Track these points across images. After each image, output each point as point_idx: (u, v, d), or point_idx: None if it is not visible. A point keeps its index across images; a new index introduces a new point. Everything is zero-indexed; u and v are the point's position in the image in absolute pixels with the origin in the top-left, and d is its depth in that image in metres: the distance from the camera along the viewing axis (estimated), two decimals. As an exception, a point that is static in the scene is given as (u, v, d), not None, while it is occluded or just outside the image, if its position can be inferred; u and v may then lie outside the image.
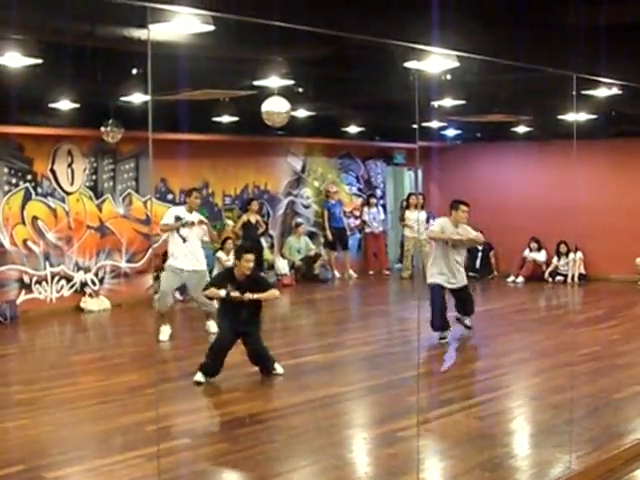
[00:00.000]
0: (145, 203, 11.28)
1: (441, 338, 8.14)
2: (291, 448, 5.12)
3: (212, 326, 8.35)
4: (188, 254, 8.30)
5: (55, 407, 6.00)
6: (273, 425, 5.55)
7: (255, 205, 12.29)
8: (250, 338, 6.67)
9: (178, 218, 8.39)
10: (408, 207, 13.29)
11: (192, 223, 8.30)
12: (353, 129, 12.01)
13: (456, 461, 4.80)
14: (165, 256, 10.94)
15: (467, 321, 8.54)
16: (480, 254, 13.54)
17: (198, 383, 6.46)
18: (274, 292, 6.92)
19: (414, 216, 12.98)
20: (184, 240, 8.34)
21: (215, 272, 9.80)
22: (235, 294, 6.57)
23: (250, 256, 6.67)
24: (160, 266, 11.02)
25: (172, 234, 8.40)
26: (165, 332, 8.37)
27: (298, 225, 13.11)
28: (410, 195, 13.61)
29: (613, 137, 12.08)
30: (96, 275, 10.79)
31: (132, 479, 4.51)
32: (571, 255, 12.62)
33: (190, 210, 8.51)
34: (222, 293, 6.65)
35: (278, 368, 6.79)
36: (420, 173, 14.35)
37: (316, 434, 5.36)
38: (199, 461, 4.92)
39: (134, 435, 5.24)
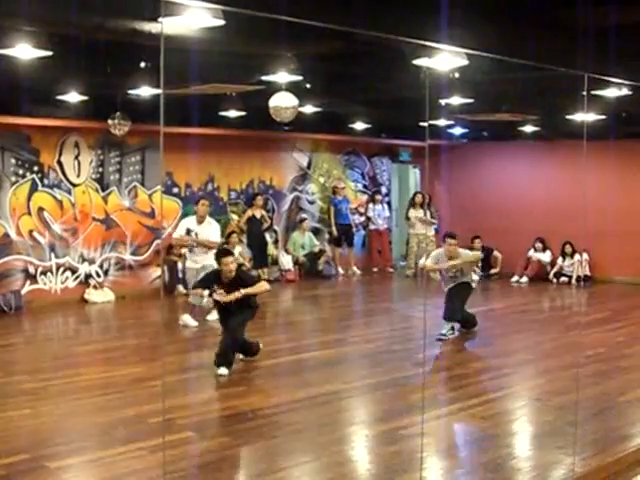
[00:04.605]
0: (150, 196, 11.29)
1: (442, 335, 8.07)
2: (293, 444, 5.13)
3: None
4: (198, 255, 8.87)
5: (58, 397, 6.01)
6: (275, 420, 5.55)
7: (260, 200, 12.30)
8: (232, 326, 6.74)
9: (188, 231, 8.82)
10: (413, 205, 13.28)
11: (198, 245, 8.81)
12: (359, 125, 11.99)
13: (459, 461, 4.79)
14: (170, 249, 11.05)
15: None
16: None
17: (220, 375, 6.55)
18: (263, 284, 7.03)
19: (419, 214, 13.01)
20: (190, 250, 8.95)
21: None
22: (219, 296, 6.64)
23: (228, 259, 6.76)
24: (165, 259, 11.07)
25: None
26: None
27: (302, 221, 13.11)
28: (416, 194, 13.60)
29: (622, 138, 12.03)
30: (101, 267, 10.81)
31: (134, 471, 4.52)
32: (576, 256, 12.58)
33: (200, 221, 8.84)
34: (205, 293, 6.82)
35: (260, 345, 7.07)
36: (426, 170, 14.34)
37: (318, 430, 5.36)
38: (201, 454, 4.92)
39: (137, 427, 5.25)
